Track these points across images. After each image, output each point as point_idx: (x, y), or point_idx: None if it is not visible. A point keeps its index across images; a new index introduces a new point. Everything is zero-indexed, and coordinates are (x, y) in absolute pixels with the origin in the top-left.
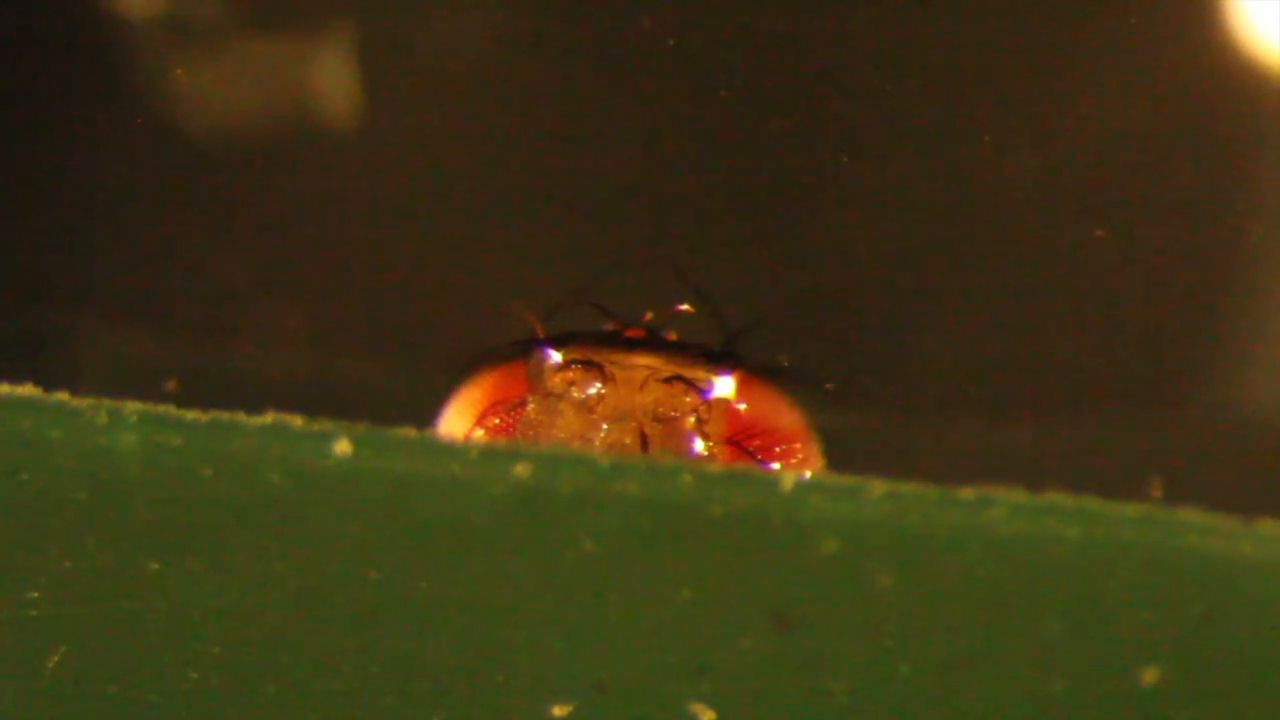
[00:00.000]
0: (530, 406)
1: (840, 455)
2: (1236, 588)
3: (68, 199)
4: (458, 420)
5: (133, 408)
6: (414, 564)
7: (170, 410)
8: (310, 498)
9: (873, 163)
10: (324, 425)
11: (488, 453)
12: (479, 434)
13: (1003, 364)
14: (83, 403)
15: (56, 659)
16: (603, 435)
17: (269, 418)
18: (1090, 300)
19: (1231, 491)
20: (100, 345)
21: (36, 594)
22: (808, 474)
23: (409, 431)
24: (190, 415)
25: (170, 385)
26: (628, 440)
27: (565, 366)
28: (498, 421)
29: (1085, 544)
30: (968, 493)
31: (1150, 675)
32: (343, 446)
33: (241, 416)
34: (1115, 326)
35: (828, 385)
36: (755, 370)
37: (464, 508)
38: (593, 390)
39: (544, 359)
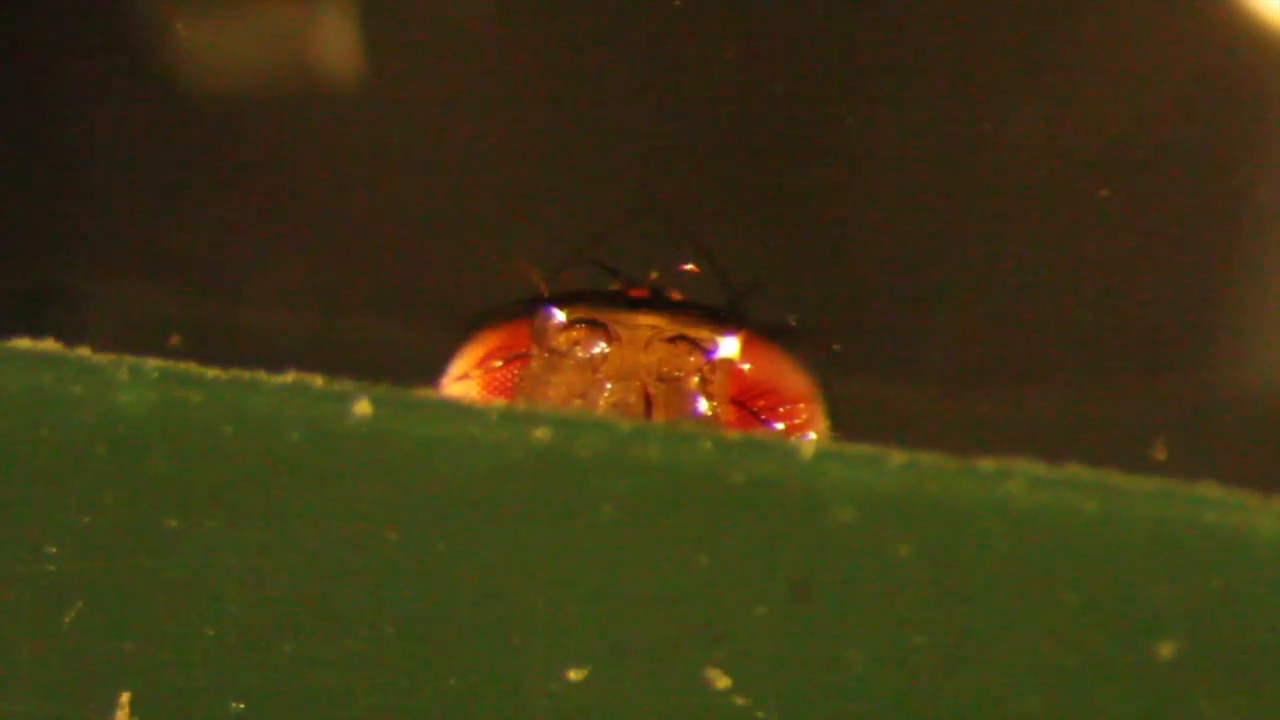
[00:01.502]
0: (533, 363)
1: (845, 417)
2: (1254, 563)
3: (71, 156)
4: (461, 379)
5: (154, 364)
6: (432, 525)
7: (191, 367)
8: (330, 457)
9: (880, 124)
10: (344, 385)
11: (508, 416)
12: (481, 380)
13: (1007, 328)
14: (104, 359)
15: (72, 615)
16: (606, 395)
17: (290, 376)
18: (1096, 266)
19: (1236, 457)
20: (103, 301)
21: (54, 549)
22: (825, 441)
23: (429, 393)
24: (211, 372)
25: (174, 341)
26: (632, 400)
27: (569, 325)
28: (499, 365)
29: (1103, 517)
30: (987, 464)
31: (1166, 649)
32: (363, 407)
33: (262, 375)
34: (1121, 292)
35: (834, 346)
36: (760, 330)
37: (483, 470)
38: (597, 349)
39: (548, 318)
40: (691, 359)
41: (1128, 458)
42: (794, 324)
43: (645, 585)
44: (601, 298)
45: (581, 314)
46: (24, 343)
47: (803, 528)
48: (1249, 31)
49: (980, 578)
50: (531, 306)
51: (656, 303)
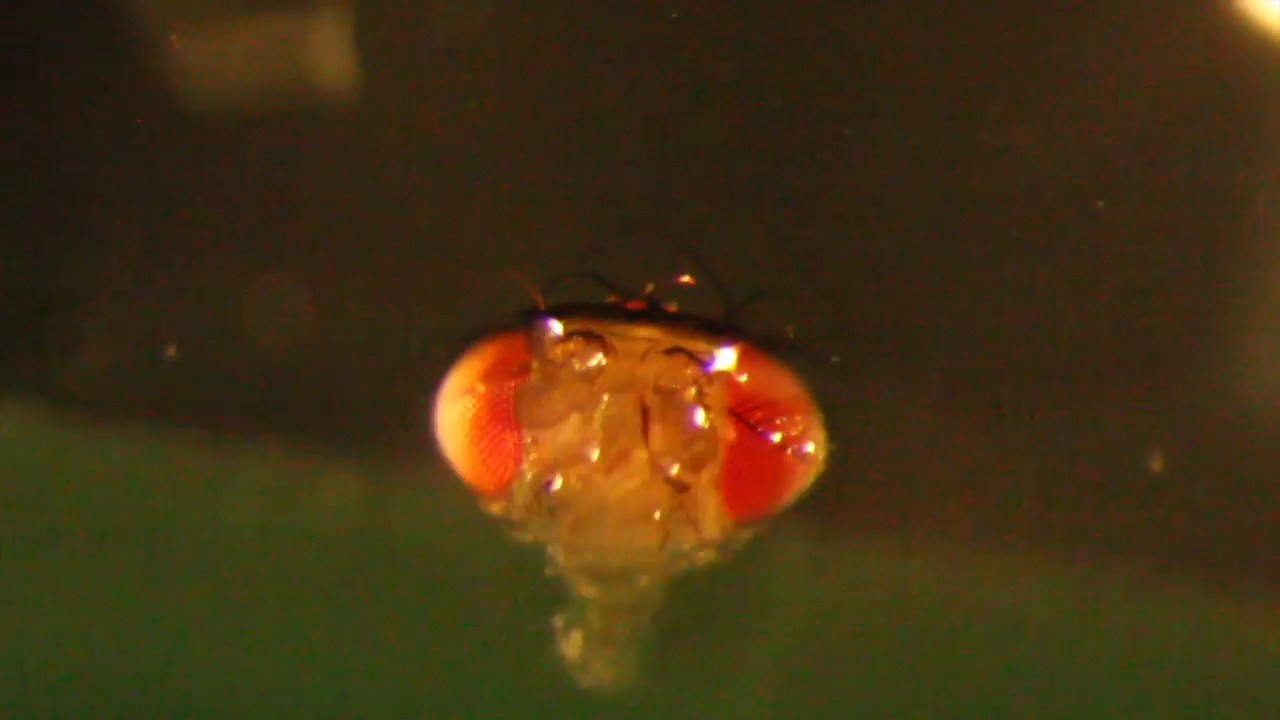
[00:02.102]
0: (531, 376)
1: (843, 428)
2: None
3: (67, 164)
4: (457, 392)
5: None
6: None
7: None
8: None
9: (878, 135)
10: None
11: None
12: (478, 394)
13: (1005, 339)
14: None
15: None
16: (603, 407)
17: None
18: (1095, 276)
19: (1234, 469)
20: (101, 311)
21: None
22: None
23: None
24: None
25: (170, 352)
26: (628, 412)
27: (566, 338)
28: (496, 378)
29: None
30: None
31: None
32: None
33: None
34: (1117, 302)
35: (831, 358)
36: (758, 342)
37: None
38: (593, 362)
39: (545, 330)
40: (688, 371)
41: (1125, 468)
42: (791, 336)
43: None
44: (598, 310)
45: (578, 326)
46: None
47: None
48: (1245, 42)
49: None
50: (529, 319)
51: (653, 315)
